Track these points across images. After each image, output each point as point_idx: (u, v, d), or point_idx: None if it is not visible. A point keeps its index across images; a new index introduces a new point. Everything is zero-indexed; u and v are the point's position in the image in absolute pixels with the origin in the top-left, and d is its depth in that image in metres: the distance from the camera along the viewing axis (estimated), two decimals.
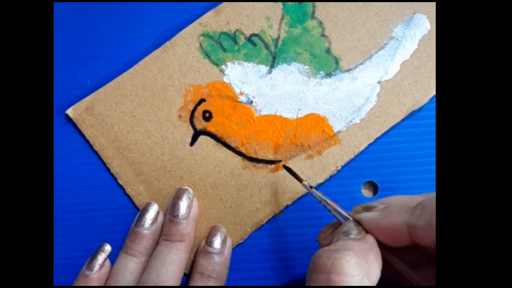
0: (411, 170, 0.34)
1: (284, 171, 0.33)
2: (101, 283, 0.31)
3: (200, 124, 0.34)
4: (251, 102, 0.34)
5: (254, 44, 0.34)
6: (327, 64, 0.34)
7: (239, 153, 0.34)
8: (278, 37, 0.34)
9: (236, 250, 0.34)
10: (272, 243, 0.34)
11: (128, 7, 0.35)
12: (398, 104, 0.34)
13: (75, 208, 0.34)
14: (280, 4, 0.34)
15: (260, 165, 0.34)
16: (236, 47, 0.34)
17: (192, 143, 0.34)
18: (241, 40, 0.34)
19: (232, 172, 0.34)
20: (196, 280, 0.31)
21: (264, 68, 0.34)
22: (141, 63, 0.34)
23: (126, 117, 0.34)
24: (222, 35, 0.34)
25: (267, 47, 0.34)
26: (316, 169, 0.34)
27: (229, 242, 0.33)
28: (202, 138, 0.34)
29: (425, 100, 0.34)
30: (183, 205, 0.32)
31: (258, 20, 0.34)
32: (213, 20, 0.34)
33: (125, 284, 0.30)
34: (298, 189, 0.34)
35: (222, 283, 0.31)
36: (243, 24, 0.34)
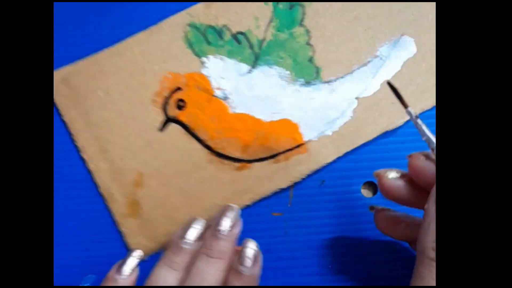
0: None
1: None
2: None
3: (172, 111, 0.34)
4: (227, 98, 0.34)
5: (239, 42, 0.34)
6: (308, 72, 0.34)
7: (207, 147, 0.33)
8: (264, 39, 0.34)
9: None
10: (272, 243, 0.34)
11: (129, 7, 0.35)
12: (373, 123, 0.33)
13: (76, 208, 0.34)
14: (271, 6, 0.34)
15: (226, 161, 0.33)
16: (221, 42, 0.34)
17: (161, 129, 0.34)
18: (227, 36, 0.34)
19: (197, 164, 0.33)
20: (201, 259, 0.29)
21: (245, 67, 0.34)
22: (124, 42, 0.34)
23: (101, 93, 0.34)
24: (209, 28, 0.34)
25: (251, 46, 0.34)
26: (281, 174, 0.33)
27: (260, 259, 0.31)
28: (172, 126, 0.34)
29: (400, 122, 0.33)
30: (228, 222, 0.30)
31: (247, 19, 0.34)
32: (202, 12, 0.34)
33: None
34: (260, 191, 0.33)
35: (228, 263, 0.30)
36: (231, 21, 0.34)
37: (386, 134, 0.34)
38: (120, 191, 0.33)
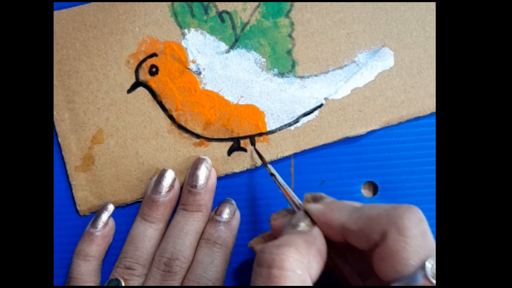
0: (411, 170, 0.34)
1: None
2: (105, 240, 0.33)
3: (144, 76, 0.34)
4: (200, 73, 0.34)
5: (223, 21, 0.34)
6: (283, 64, 0.34)
7: (170, 117, 0.34)
8: (247, 23, 0.34)
9: (236, 250, 0.33)
10: None
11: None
12: (336, 126, 0.34)
13: (76, 208, 0.34)
14: None
15: (186, 135, 0.34)
16: (205, 17, 0.34)
17: (129, 91, 0.34)
18: (212, 12, 0.34)
19: (156, 132, 0.34)
20: (202, 245, 0.32)
21: (223, 46, 0.34)
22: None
23: (78, 44, 0.34)
24: (196, 2, 0.34)
25: (233, 27, 0.34)
26: (236, 159, 0.34)
27: (237, 215, 0.33)
28: (140, 90, 0.34)
29: (363, 131, 0.34)
30: (201, 175, 0.32)
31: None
32: None
33: (144, 250, 0.31)
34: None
35: (227, 251, 0.32)
36: None
37: (386, 134, 0.34)
38: (78, 144, 0.34)
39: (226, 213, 0.32)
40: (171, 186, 0.32)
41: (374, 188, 0.34)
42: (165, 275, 0.30)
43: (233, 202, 0.33)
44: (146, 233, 0.32)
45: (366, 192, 0.34)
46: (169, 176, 0.32)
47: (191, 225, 0.32)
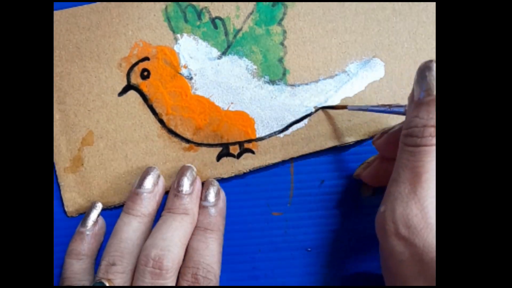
0: None
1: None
2: (96, 238, 0.33)
3: (135, 79, 0.34)
4: (191, 78, 0.34)
5: (216, 27, 0.34)
6: (275, 71, 0.34)
7: (160, 121, 0.34)
8: (240, 29, 0.34)
9: (236, 250, 0.34)
10: (272, 243, 0.34)
11: None
12: (324, 134, 0.34)
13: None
14: None
15: (176, 139, 0.34)
16: (198, 23, 0.34)
17: (120, 94, 0.34)
18: (205, 18, 0.34)
19: (146, 136, 0.34)
20: (195, 234, 0.31)
21: (215, 52, 0.34)
22: (104, 3, 0.34)
23: (71, 46, 0.34)
24: (190, 7, 0.34)
25: (226, 34, 0.34)
26: (225, 164, 0.34)
27: (222, 194, 0.33)
28: (131, 93, 0.34)
29: (351, 140, 0.34)
30: (187, 181, 0.32)
31: (229, 6, 0.34)
32: None
33: (129, 241, 0.31)
34: (202, 175, 0.34)
35: (220, 234, 0.32)
36: (213, 5, 0.34)
37: None
38: (67, 145, 0.34)
39: (211, 196, 0.32)
40: (155, 182, 0.33)
41: (374, 188, 0.35)
42: (154, 273, 0.28)
43: (216, 182, 0.33)
44: (131, 224, 0.31)
45: (366, 192, 0.35)
46: (154, 173, 0.33)
47: (179, 222, 0.31)
